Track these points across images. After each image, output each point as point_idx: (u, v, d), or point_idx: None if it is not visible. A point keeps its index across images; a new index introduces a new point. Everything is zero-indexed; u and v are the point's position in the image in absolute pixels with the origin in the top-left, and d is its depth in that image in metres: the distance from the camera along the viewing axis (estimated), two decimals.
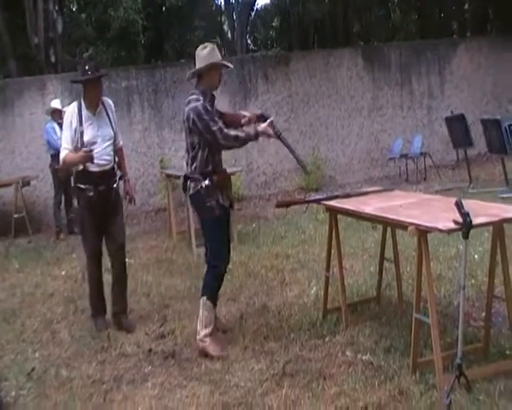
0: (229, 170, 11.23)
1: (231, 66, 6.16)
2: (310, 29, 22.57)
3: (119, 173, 6.60)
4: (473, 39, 19.85)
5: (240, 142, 5.66)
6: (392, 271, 6.49)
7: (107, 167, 6.35)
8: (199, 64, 5.76)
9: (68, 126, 6.20)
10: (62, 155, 6.24)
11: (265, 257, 8.42)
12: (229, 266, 8.32)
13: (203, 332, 5.58)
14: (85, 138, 6.16)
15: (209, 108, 5.64)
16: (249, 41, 28.37)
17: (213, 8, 27.26)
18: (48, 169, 12.08)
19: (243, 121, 6.02)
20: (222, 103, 14.81)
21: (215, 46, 5.88)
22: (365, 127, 16.55)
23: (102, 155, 6.26)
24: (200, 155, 5.65)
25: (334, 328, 5.80)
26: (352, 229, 9.29)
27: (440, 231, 4.28)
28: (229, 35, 28.34)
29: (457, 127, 13.30)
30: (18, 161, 13.36)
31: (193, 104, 5.62)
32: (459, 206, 4.10)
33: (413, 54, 17.41)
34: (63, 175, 11.79)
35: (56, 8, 16.50)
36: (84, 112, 6.22)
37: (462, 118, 13.19)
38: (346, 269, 7.22)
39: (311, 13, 21.02)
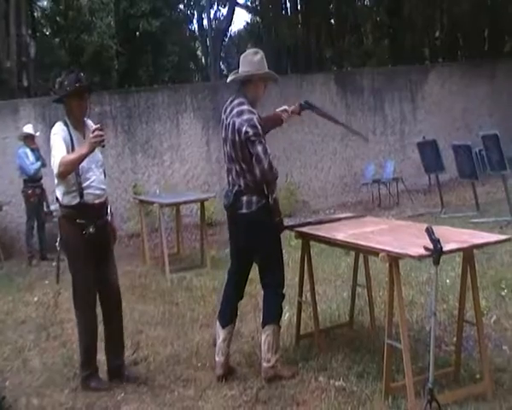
0: (202, 196, 11.33)
1: (277, 77, 5.70)
2: (283, 54, 22.71)
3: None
4: (444, 66, 20.14)
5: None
6: (364, 296, 6.53)
7: (103, 198, 5.55)
8: (251, 68, 5.33)
9: (61, 140, 5.29)
10: (57, 160, 5.16)
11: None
12: (203, 292, 8.41)
13: (274, 358, 5.33)
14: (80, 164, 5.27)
15: (261, 123, 5.26)
16: (223, 66, 28.52)
17: (187, 33, 27.37)
18: (20, 194, 11.99)
19: (284, 117, 5.76)
20: (194, 129, 14.90)
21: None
22: (338, 152, 16.64)
23: (99, 183, 5.47)
24: (254, 168, 5.18)
25: (307, 353, 5.81)
26: (325, 254, 9.32)
27: (411, 257, 4.33)
28: (203, 60, 28.49)
29: (429, 152, 13.44)
30: None
31: (247, 116, 5.18)
32: (430, 232, 4.15)
33: (385, 79, 17.61)
34: (35, 200, 11.75)
35: (29, 32, 16.51)
36: (73, 133, 5.39)
37: (433, 143, 13.34)
38: (319, 294, 7.23)
39: (285, 38, 21.17)
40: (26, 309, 8.49)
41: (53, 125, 5.50)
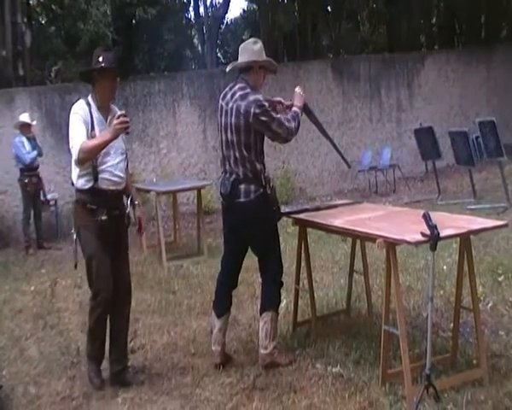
0: (199, 183, 11.32)
1: (276, 66, 5.60)
2: (279, 42, 22.67)
3: (129, 195, 5.47)
4: (440, 52, 20.11)
5: (298, 122, 5.36)
6: (361, 283, 6.53)
7: (121, 187, 5.25)
8: (251, 57, 5.29)
9: (81, 121, 4.99)
10: (77, 146, 4.86)
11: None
12: (200, 280, 8.41)
13: (272, 345, 5.33)
14: None
15: (267, 101, 5.29)
16: (219, 54, 28.44)
17: (183, 21, 27.22)
18: (17, 183, 11.96)
19: (278, 109, 5.63)
20: (191, 117, 14.87)
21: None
22: (335, 140, 16.38)
23: (115, 169, 5.15)
24: (254, 155, 5.23)
25: (304, 341, 5.82)
26: (322, 242, 9.34)
27: (408, 243, 4.32)
28: (200, 48, 28.38)
29: (426, 139, 13.44)
30: None
31: (252, 97, 5.15)
32: (427, 218, 4.15)
33: (382, 67, 17.58)
34: (32, 189, 11.72)
35: (25, 20, 16.39)
36: (95, 113, 5.10)
37: (430, 130, 13.34)
38: (316, 282, 7.25)
39: (281, 26, 21.12)
40: (23, 298, 8.49)
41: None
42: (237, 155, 5.23)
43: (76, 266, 5.42)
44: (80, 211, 5.18)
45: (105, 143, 4.92)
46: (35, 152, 11.58)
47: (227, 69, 5.55)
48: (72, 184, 5.24)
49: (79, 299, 8.01)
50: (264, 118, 5.13)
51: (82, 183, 5.10)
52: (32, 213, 11.99)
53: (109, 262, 5.20)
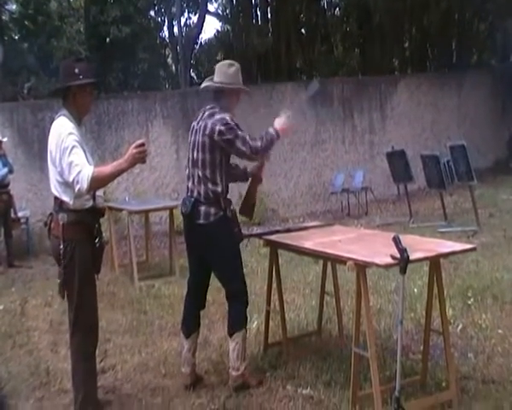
0: (171, 203, 11.30)
1: (248, 91, 5.64)
2: (253, 63, 22.71)
3: None
4: (413, 76, 20.31)
5: (267, 141, 5.30)
6: (333, 305, 6.54)
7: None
8: (224, 80, 5.34)
9: (78, 142, 4.56)
10: (87, 172, 4.42)
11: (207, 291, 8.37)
12: (171, 300, 8.38)
13: (243, 366, 5.31)
14: None
15: (235, 122, 5.25)
16: (193, 74, 28.47)
17: (157, 41, 27.24)
18: None
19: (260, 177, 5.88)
20: (164, 136, 14.86)
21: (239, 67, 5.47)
22: (308, 161, 16.71)
23: None
24: (219, 174, 5.25)
25: (275, 362, 5.81)
26: (294, 263, 9.35)
27: (378, 266, 4.36)
28: (174, 68, 28.42)
29: (398, 162, 13.54)
30: None
31: (219, 115, 5.19)
32: (397, 241, 4.18)
33: (355, 89, 17.72)
34: (2, 207, 11.61)
35: None
36: (78, 131, 4.68)
37: (402, 153, 13.45)
38: (288, 303, 7.25)
39: (255, 47, 21.18)
40: None
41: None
42: (200, 173, 5.26)
43: (64, 297, 4.82)
44: (77, 232, 4.68)
45: (120, 173, 4.59)
46: (6, 169, 11.48)
47: (201, 87, 5.59)
48: (61, 203, 4.70)
49: (50, 318, 7.94)
50: (228, 135, 5.16)
51: (81, 203, 4.68)
52: (3, 230, 11.88)
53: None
